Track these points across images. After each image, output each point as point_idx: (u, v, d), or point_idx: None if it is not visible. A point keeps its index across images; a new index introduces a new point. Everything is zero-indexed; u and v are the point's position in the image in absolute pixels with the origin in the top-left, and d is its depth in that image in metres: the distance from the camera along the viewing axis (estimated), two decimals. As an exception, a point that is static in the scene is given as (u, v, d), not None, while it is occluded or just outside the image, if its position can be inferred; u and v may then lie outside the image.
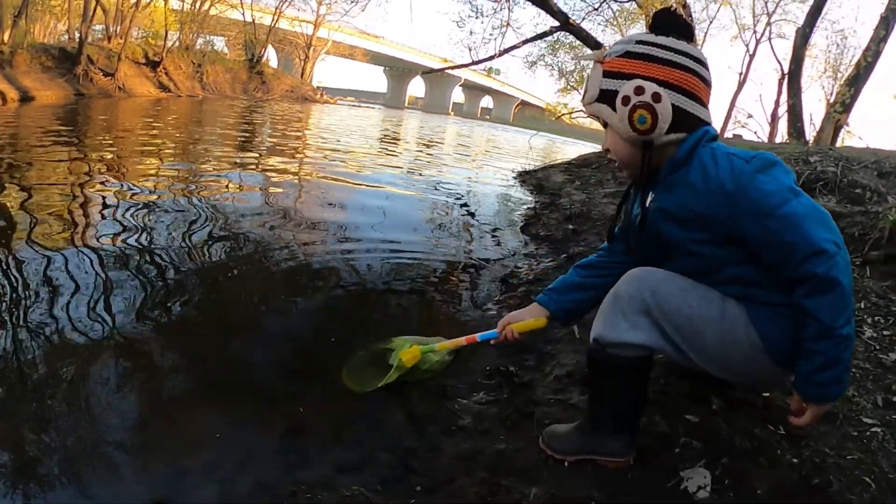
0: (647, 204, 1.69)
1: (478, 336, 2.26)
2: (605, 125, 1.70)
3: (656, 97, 1.55)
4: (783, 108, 15.93)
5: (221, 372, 2.47)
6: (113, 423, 2.06)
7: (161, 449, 1.97)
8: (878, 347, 2.32)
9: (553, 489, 1.71)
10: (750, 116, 26.76)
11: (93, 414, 2.09)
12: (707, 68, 1.63)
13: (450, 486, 1.83)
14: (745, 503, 1.54)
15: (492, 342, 2.20)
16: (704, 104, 1.64)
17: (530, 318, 2.07)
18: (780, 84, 19.66)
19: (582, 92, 1.76)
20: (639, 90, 1.56)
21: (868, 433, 1.77)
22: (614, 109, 1.61)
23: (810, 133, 13.34)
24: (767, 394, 1.97)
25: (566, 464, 1.80)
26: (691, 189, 1.55)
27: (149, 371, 2.40)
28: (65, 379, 2.26)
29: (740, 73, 25.97)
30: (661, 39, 1.60)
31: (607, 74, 1.63)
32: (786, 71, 15.59)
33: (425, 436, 2.14)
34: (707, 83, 1.63)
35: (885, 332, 2.45)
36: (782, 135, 16.40)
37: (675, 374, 2.16)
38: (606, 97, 1.63)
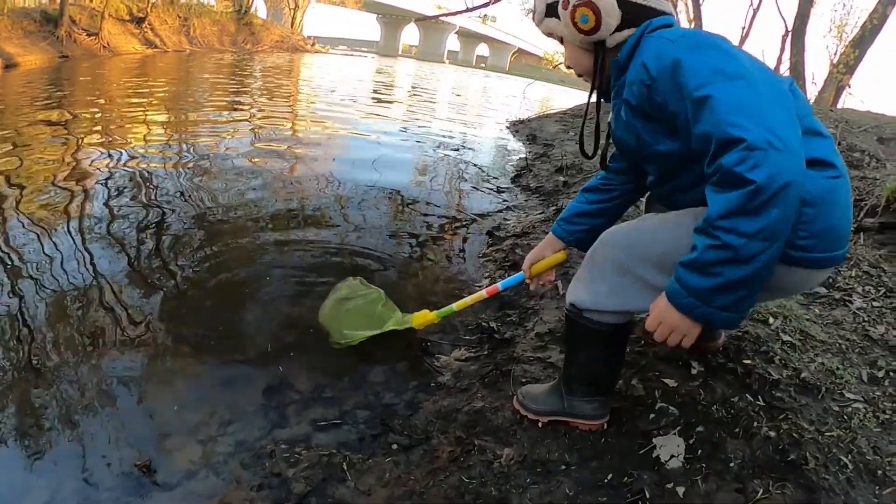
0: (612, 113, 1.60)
1: (500, 285, 2.16)
2: (562, 41, 1.59)
3: None
4: (785, 66, 15.71)
5: (204, 332, 2.44)
6: (98, 387, 2.05)
7: (145, 412, 1.97)
8: (866, 319, 2.28)
9: (525, 451, 1.69)
10: (751, 72, 26.56)
11: (77, 379, 2.08)
12: None
13: (425, 444, 1.83)
14: (717, 475, 1.51)
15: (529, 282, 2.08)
16: None
17: (550, 252, 1.99)
18: (784, 41, 19.36)
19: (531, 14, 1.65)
20: None
21: (850, 409, 1.73)
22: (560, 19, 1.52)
23: (812, 92, 13.23)
24: (749, 361, 1.93)
25: (540, 425, 1.77)
26: (630, 84, 1.42)
27: (132, 334, 2.36)
28: (48, 345, 2.24)
29: (743, 28, 25.41)
30: None
31: None
32: (790, 28, 15.31)
33: (405, 392, 2.14)
34: None
35: (874, 304, 2.41)
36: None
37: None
38: (552, 10, 1.54)
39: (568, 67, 1.66)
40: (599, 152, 1.77)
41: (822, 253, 1.37)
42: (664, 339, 1.35)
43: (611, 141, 1.68)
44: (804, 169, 1.18)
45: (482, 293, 2.23)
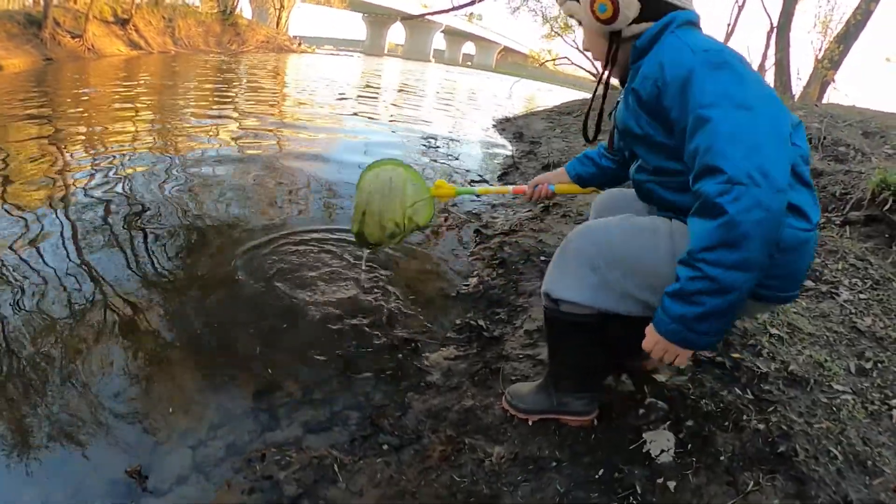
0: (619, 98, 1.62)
1: (525, 187, 2.18)
2: (580, 23, 1.61)
3: None
4: (770, 62, 15.78)
5: (192, 336, 2.42)
6: (87, 393, 2.03)
7: (135, 417, 1.95)
8: (853, 311, 2.29)
9: (516, 449, 1.68)
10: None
11: (66, 385, 2.05)
12: None
13: (416, 443, 1.82)
14: (707, 469, 1.51)
15: (525, 198, 2.16)
16: None
17: (560, 180, 2.13)
18: (769, 37, 19.44)
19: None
20: None
21: (838, 400, 1.74)
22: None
23: (797, 88, 13.29)
24: (737, 354, 1.94)
25: (530, 423, 1.76)
26: (644, 77, 1.43)
27: (122, 340, 2.34)
28: (38, 350, 2.22)
29: (728, 24, 25.50)
30: None
31: None
32: (774, 24, 15.38)
33: (395, 393, 2.13)
34: None
35: (861, 296, 2.41)
36: (768, 88, 16.26)
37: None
38: None
39: (586, 50, 1.68)
40: (599, 138, 1.80)
41: (781, 292, 1.44)
42: (660, 357, 1.39)
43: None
44: (783, 206, 1.22)
45: (508, 188, 2.27)
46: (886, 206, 3.12)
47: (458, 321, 2.61)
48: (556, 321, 1.64)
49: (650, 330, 1.38)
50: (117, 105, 8.32)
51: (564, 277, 1.56)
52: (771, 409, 1.66)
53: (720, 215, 1.20)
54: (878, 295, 2.45)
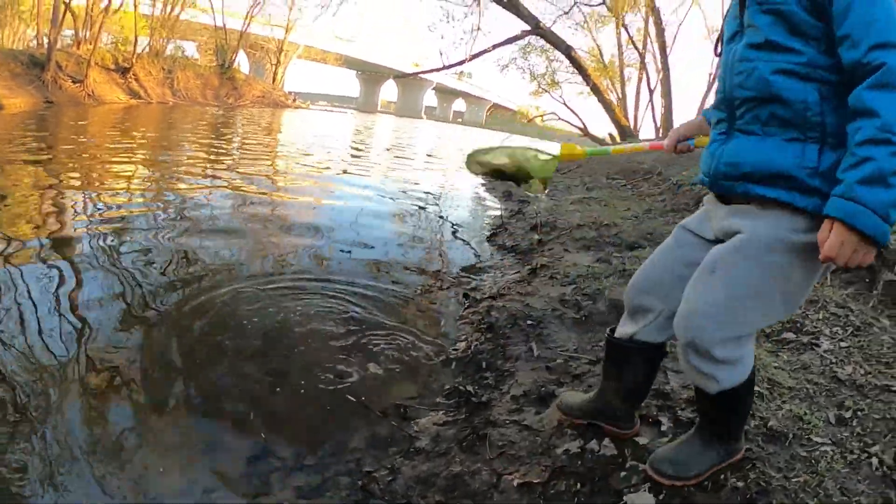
0: None
1: (665, 144, 2.01)
2: None
3: None
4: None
5: (185, 396, 2.44)
6: (78, 451, 2.03)
7: (127, 478, 1.95)
8: (833, 360, 2.32)
9: (501, 516, 1.69)
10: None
11: (57, 442, 2.05)
12: None
13: (405, 509, 1.80)
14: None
15: (666, 151, 1.98)
16: None
17: (697, 130, 1.94)
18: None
19: None
20: None
21: (817, 452, 1.76)
22: None
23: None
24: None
25: (539, 484, 1.75)
26: None
27: (112, 399, 2.36)
28: (23, 407, 2.22)
29: (710, 74, 26.11)
30: None
31: None
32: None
33: (384, 458, 2.14)
34: None
35: (842, 344, 2.45)
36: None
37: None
38: None
39: None
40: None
41: None
42: (847, 260, 1.26)
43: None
44: None
45: (645, 145, 2.16)
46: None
47: (447, 386, 2.63)
48: (743, 391, 1.59)
49: (824, 229, 1.27)
50: (113, 157, 8.48)
51: (729, 366, 1.51)
52: (749, 466, 1.69)
53: None
54: (858, 342, 2.48)
